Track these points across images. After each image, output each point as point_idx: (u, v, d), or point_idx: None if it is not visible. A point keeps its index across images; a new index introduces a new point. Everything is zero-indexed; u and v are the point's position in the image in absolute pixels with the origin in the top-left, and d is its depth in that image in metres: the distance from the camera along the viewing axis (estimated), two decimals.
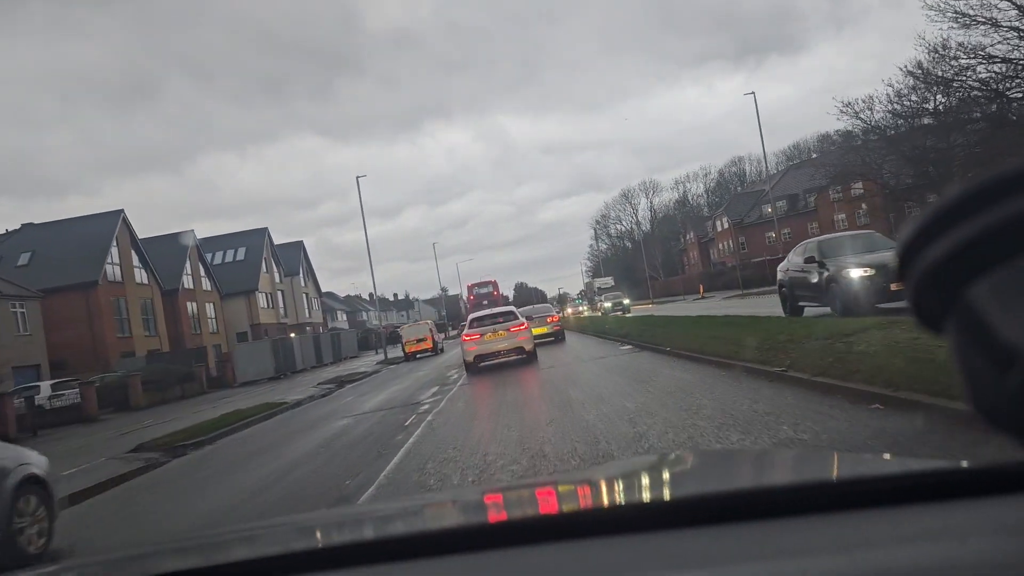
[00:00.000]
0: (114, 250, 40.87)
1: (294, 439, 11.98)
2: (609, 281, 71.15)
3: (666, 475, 1.68)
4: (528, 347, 18.09)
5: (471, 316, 20.60)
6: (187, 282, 48.81)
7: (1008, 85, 30.05)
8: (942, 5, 28.49)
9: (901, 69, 33.83)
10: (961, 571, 0.72)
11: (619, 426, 7.28)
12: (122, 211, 42.59)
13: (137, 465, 12.66)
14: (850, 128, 40.57)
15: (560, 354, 19.82)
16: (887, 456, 3.02)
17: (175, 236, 50.09)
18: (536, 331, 21.65)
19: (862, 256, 12.69)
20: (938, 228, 0.56)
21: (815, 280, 13.63)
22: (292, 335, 50.12)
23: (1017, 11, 27.91)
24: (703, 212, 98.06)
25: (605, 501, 1.39)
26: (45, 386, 28.07)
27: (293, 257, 66.19)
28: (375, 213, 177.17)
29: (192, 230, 50.76)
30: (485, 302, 41.73)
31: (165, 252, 46.78)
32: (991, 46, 29.55)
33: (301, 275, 66.98)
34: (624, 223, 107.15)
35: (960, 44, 29.40)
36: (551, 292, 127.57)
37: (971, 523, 0.83)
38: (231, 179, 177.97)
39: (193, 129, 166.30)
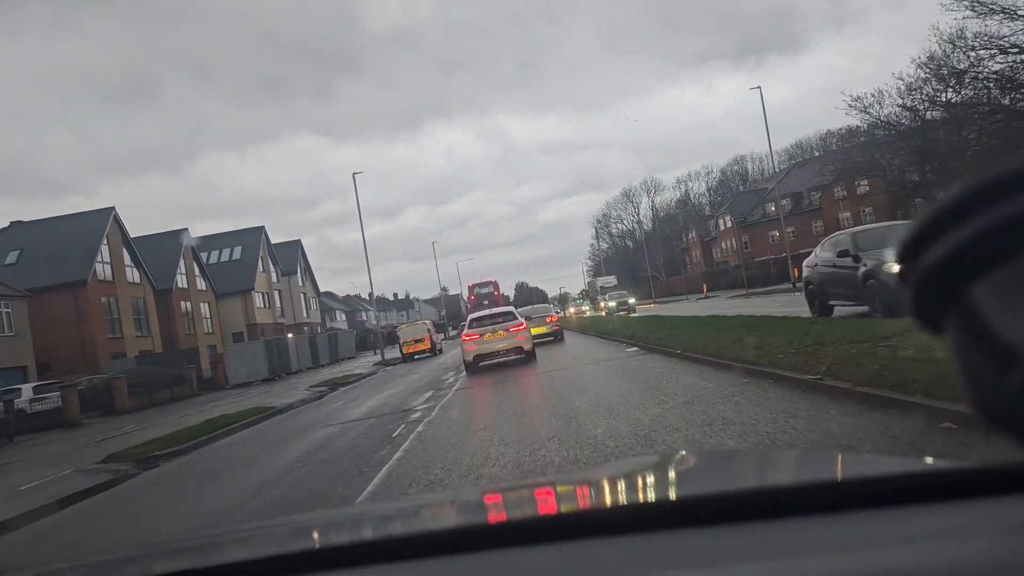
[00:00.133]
0: (104, 248, 39.84)
1: (271, 452, 10.97)
2: (612, 280, 70.15)
3: (667, 475, 1.63)
4: (527, 347, 18.15)
5: (471, 316, 20.68)
6: (181, 281, 47.74)
7: None
8: None
9: (913, 60, 32.93)
10: (962, 571, 0.71)
11: (633, 445, 6.26)
12: (113, 209, 41.56)
13: (104, 479, 11.70)
14: (859, 123, 39.58)
15: (563, 356, 18.82)
16: (888, 456, 3.04)
17: (168, 235, 49.09)
18: (535, 331, 21.73)
19: None
20: (938, 229, 0.56)
21: (850, 276, 12.44)
22: (290, 335, 49.12)
23: None
24: (705, 211, 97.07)
25: (606, 501, 1.37)
26: (27, 389, 26.97)
27: (291, 256, 65.04)
28: (376, 213, 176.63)
29: (186, 228, 49.72)
30: (486, 302, 41.31)
31: (158, 251, 45.78)
32: (1007, 36, 28.62)
33: (299, 274, 65.86)
34: (626, 222, 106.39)
35: (977, 33, 28.41)
36: (552, 292, 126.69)
37: (973, 523, 0.82)
38: (231, 179, 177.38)
39: (193, 129, 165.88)
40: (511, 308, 22.35)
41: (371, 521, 1.59)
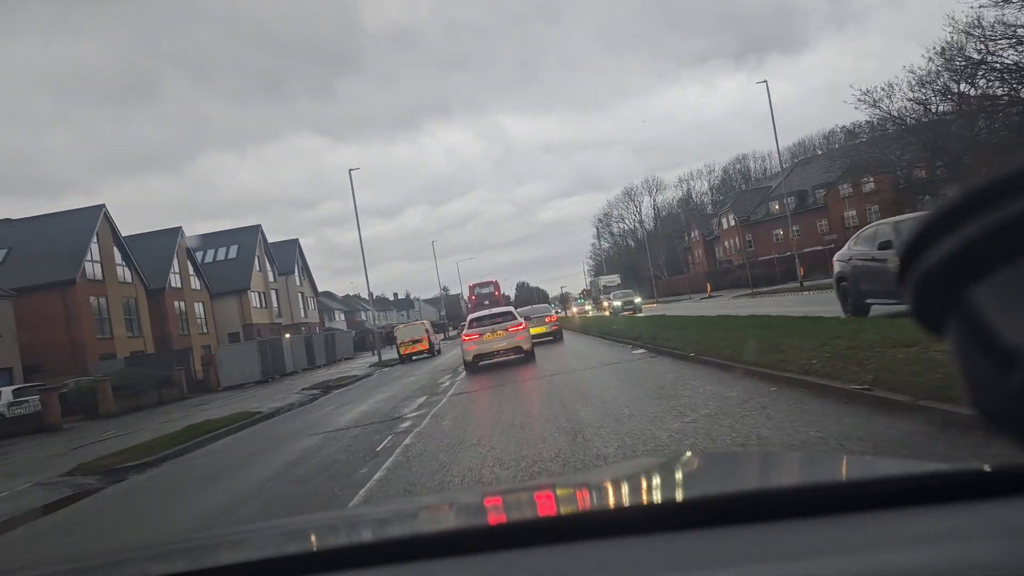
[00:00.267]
0: (94, 247, 38.79)
1: (245, 466, 9.96)
2: (615, 279, 69.12)
3: (669, 476, 1.57)
4: (526, 346, 18.18)
5: (470, 316, 20.77)
6: (174, 281, 46.65)
7: None
8: None
9: (926, 51, 31.95)
10: (963, 573, 0.71)
11: None
12: (103, 206, 40.51)
13: (65, 493, 10.72)
14: (868, 118, 38.55)
15: (566, 357, 17.83)
16: (889, 458, 3.13)
17: (162, 233, 48.06)
18: (534, 331, 21.82)
19: None
20: (939, 230, 0.56)
21: (893, 271, 11.28)
22: (287, 335, 48.12)
23: None
24: (707, 210, 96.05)
25: (607, 502, 1.36)
26: (7, 392, 25.91)
27: (288, 255, 64.01)
28: (376, 213, 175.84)
29: (180, 227, 48.70)
30: (486, 302, 40.94)
31: (151, 250, 44.76)
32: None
33: (296, 274, 64.87)
34: (627, 221, 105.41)
35: (995, 22, 27.37)
36: (553, 292, 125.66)
37: (975, 525, 0.82)
38: (231, 179, 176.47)
39: (193, 129, 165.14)
40: (510, 308, 22.33)
41: (370, 523, 1.57)
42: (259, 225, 58.46)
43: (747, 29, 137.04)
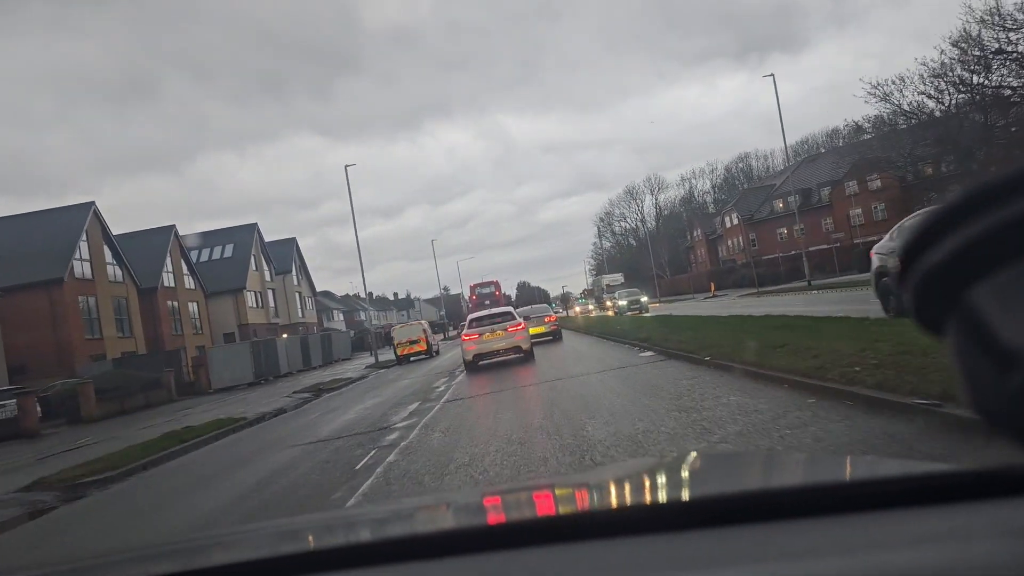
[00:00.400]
0: (83, 245, 37.73)
1: (211, 484, 8.92)
2: (619, 278, 67.90)
3: (670, 476, 1.55)
4: (525, 346, 18.22)
5: (470, 316, 20.81)
6: (167, 280, 45.58)
7: None
8: None
9: (941, 41, 30.93)
10: (966, 573, 0.71)
11: None
12: (93, 204, 39.43)
13: (13, 513, 9.65)
14: (879, 112, 37.49)
15: (569, 360, 16.77)
16: (890, 458, 3.08)
17: (155, 231, 47.00)
18: (533, 331, 21.84)
19: None
20: (939, 230, 0.57)
21: None
22: (284, 335, 47.09)
23: None
24: (710, 209, 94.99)
25: (609, 502, 1.35)
26: None
27: (285, 255, 62.89)
28: (376, 212, 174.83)
29: (173, 225, 47.58)
30: (487, 302, 40.21)
31: (144, 248, 43.68)
32: None
33: (294, 273, 63.78)
34: (629, 220, 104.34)
35: (1014, 9, 26.34)
36: (554, 291, 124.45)
37: (975, 526, 0.82)
38: (231, 179, 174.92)
39: (192, 128, 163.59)
40: (510, 308, 22.37)
41: (368, 523, 1.55)
42: (255, 223, 57.34)
43: (748, 28, 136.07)
